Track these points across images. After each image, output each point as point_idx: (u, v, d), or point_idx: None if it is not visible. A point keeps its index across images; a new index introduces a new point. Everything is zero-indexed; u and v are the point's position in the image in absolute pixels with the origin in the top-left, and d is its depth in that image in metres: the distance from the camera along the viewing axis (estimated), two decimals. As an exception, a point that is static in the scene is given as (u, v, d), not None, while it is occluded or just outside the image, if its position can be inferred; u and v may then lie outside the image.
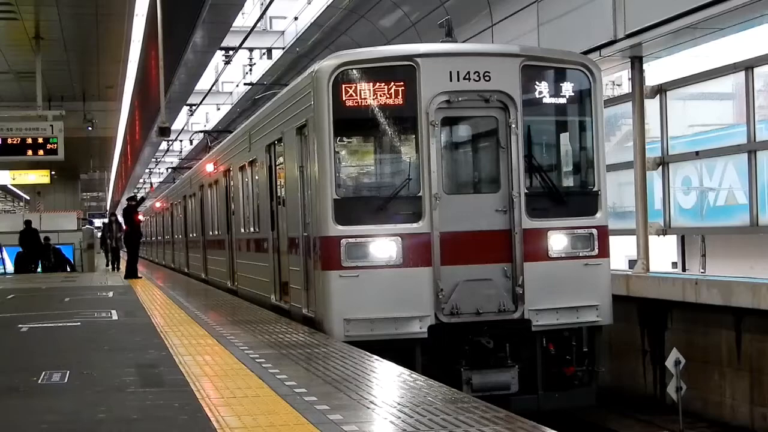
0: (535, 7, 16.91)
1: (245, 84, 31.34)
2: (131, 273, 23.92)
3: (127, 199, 25.40)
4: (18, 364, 9.14)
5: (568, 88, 11.09)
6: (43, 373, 8.15)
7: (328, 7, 23.12)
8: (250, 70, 29.78)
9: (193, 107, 37.29)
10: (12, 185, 41.77)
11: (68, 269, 32.94)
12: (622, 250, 17.02)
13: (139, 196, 35.85)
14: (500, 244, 10.58)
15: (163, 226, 37.46)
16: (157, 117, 21.47)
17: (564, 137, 11.64)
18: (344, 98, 10.47)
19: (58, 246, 33.31)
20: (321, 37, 25.08)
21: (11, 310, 15.82)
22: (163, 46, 18.03)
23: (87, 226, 37.83)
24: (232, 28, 24.73)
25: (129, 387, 7.48)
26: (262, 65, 29.94)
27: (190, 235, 26.70)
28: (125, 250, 25.97)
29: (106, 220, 32.56)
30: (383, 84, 10.49)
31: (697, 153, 14.85)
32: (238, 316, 13.03)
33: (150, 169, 63.01)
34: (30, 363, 9.08)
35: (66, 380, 7.89)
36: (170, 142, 47.07)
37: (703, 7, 12.38)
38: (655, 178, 15.43)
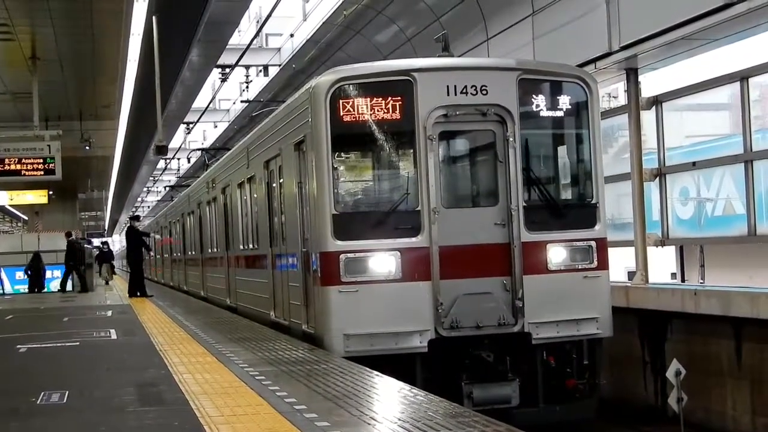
0: (530, 20, 16.96)
1: (242, 101, 31.37)
2: (134, 291, 23.75)
3: (130, 218, 25.40)
4: (17, 385, 9.11)
5: (564, 101, 11.10)
6: (42, 393, 8.11)
7: (323, 23, 23.18)
8: (247, 87, 29.82)
9: (191, 125, 37.31)
10: (10, 206, 41.76)
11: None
12: (621, 262, 17.01)
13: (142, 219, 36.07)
14: (499, 258, 10.57)
15: (161, 244, 37.47)
16: (155, 135, 21.50)
17: (561, 150, 11.66)
18: (342, 113, 10.48)
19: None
20: (317, 54, 25.13)
21: (10, 330, 15.78)
22: (160, 65, 18.07)
23: (86, 245, 37.86)
24: (228, 46, 24.79)
25: (129, 406, 7.45)
26: (259, 82, 29.99)
27: (189, 253, 26.68)
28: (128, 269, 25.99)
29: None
30: (380, 99, 10.50)
31: (694, 164, 14.86)
32: (238, 333, 13.00)
33: (148, 187, 63.01)
34: (29, 384, 9.05)
35: (65, 400, 7.86)
36: (168, 161, 47.08)
37: (698, 18, 12.41)
38: (652, 189, 15.43)
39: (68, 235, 30.95)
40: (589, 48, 14.89)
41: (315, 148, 10.64)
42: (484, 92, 10.61)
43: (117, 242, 79.43)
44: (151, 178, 57.60)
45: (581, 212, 11.13)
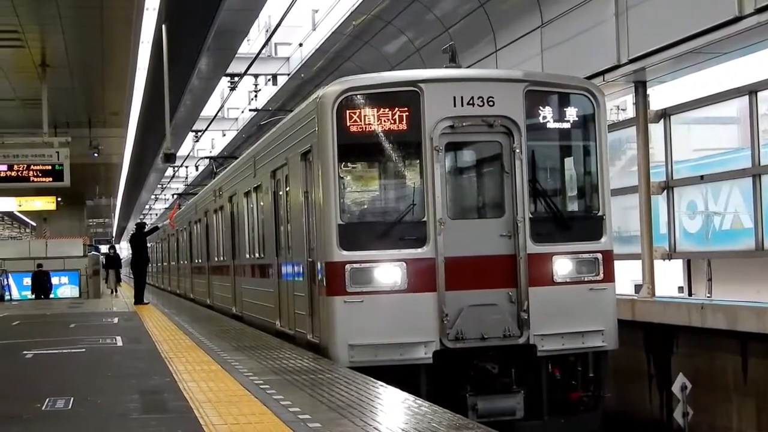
0: (539, 32, 16.97)
1: (250, 110, 31.44)
2: (139, 299, 24.11)
3: (136, 225, 25.53)
4: (22, 391, 9.13)
5: (571, 113, 11.09)
6: (47, 399, 8.13)
7: (332, 33, 23.22)
8: (256, 96, 29.88)
9: (199, 133, 37.41)
10: (18, 212, 41.88)
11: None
12: (628, 275, 16.97)
13: (149, 224, 36.31)
14: (505, 269, 10.55)
15: (168, 252, 37.51)
16: (163, 143, 21.54)
17: (568, 162, 11.64)
18: (348, 124, 10.48)
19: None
20: (326, 63, 25.18)
21: (16, 336, 15.82)
22: (169, 73, 18.11)
23: (93, 252, 37.96)
24: (237, 55, 24.86)
25: (132, 413, 7.46)
26: (268, 91, 30.04)
27: (195, 261, 26.71)
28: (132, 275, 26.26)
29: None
30: (387, 109, 10.51)
31: (701, 177, 14.84)
32: (243, 342, 13.00)
33: (156, 195, 63.13)
34: (34, 389, 9.06)
35: (70, 407, 7.87)
36: (176, 168, 47.16)
37: (707, 31, 12.41)
38: (660, 202, 15.41)
39: (38, 266, 32.88)
40: (597, 60, 14.89)
41: (321, 158, 10.65)
42: (491, 104, 10.61)
43: (125, 249, 79.59)
44: (159, 186, 57.72)
45: (587, 224, 11.12)
